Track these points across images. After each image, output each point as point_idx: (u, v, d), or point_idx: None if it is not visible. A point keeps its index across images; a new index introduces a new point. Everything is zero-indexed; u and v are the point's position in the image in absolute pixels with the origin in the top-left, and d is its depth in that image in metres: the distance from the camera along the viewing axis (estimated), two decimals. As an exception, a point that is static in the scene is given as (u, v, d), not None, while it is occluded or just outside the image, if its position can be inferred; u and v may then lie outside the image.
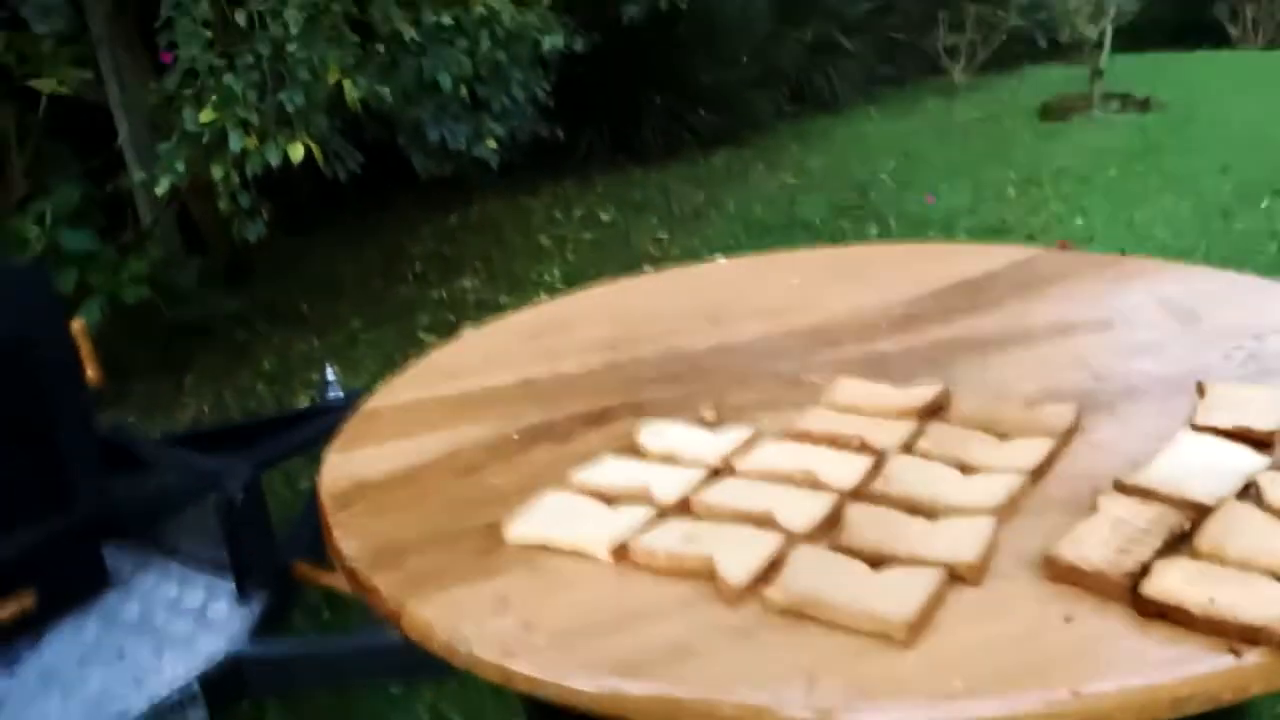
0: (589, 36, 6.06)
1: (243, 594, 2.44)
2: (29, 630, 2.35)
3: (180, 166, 4.34)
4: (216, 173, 4.35)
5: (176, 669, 2.24)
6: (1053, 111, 8.57)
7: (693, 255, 5.67)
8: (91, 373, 2.50)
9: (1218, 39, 11.04)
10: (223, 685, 2.25)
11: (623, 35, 7.49)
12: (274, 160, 4.18)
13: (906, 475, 1.03)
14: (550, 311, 1.59)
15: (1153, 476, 0.98)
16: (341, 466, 1.18)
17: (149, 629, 2.37)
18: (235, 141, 4.19)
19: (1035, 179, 6.82)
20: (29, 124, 4.39)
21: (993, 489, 0.99)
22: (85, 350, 2.48)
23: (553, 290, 5.15)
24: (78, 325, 2.47)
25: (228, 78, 4.09)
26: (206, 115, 4.18)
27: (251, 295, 5.56)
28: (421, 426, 1.27)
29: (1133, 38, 9.38)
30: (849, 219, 6.50)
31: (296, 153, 4.12)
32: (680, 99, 8.38)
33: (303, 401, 4.40)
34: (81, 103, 4.54)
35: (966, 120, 8.23)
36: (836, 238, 6.09)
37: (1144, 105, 8.62)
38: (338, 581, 2.65)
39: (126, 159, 5.05)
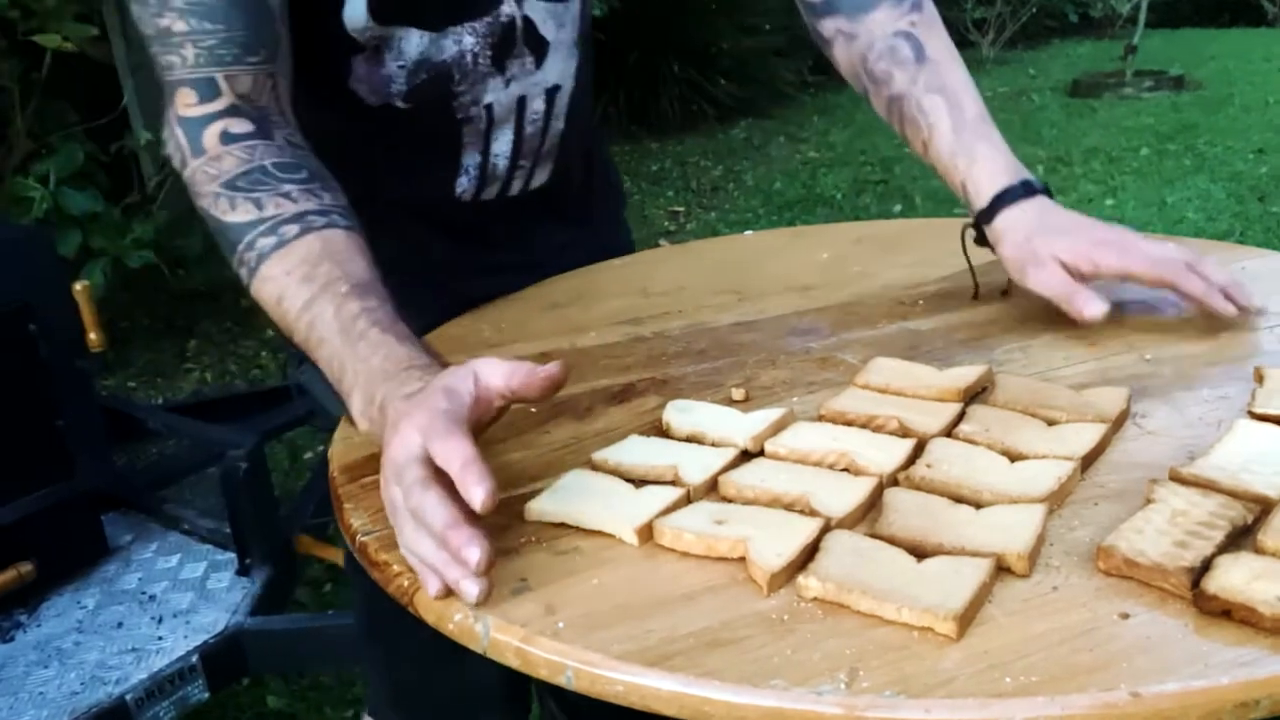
0: (605, 2, 6.01)
1: (244, 567, 2.43)
2: (27, 600, 2.34)
3: (187, 127, 4.30)
4: (224, 134, 4.31)
5: (176, 642, 2.22)
6: (1083, 88, 8.53)
7: (709, 230, 5.65)
8: (94, 338, 2.48)
9: (1254, 17, 10.98)
10: (223, 659, 2.24)
11: (640, 1, 7.45)
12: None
13: (949, 460, 1.01)
14: (568, 284, 1.56)
15: (1211, 466, 0.95)
16: (353, 437, 1.15)
17: (148, 600, 2.36)
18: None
19: (1064, 158, 6.79)
20: (32, 81, 4.36)
21: (1041, 476, 0.96)
22: (88, 315, 2.46)
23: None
24: (81, 289, 2.45)
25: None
26: (215, 74, 4.14)
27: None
28: (436, 398, 1.24)
29: (1167, 14, 9.34)
30: (872, 195, 6.47)
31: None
32: (699, 68, 8.35)
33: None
34: (86, 60, 4.51)
35: (994, 96, 8.20)
36: (859, 214, 6.06)
37: (1178, 84, 8.57)
38: (342, 556, 2.63)
39: (132, 119, 5.03)
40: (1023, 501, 0.93)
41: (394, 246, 1.25)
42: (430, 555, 0.90)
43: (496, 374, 0.98)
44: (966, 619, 0.80)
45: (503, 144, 1.48)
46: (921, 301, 1.43)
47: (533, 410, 1.18)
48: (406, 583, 0.91)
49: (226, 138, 1.20)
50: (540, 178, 1.54)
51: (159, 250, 4.60)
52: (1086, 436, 1.03)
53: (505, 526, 0.97)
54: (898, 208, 6.06)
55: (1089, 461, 1.01)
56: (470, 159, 1.47)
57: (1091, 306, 1.26)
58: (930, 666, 0.77)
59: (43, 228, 4.00)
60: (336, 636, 2.35)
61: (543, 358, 1.30)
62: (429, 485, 0.91)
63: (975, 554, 0.86)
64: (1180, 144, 6.94)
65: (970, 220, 1.39)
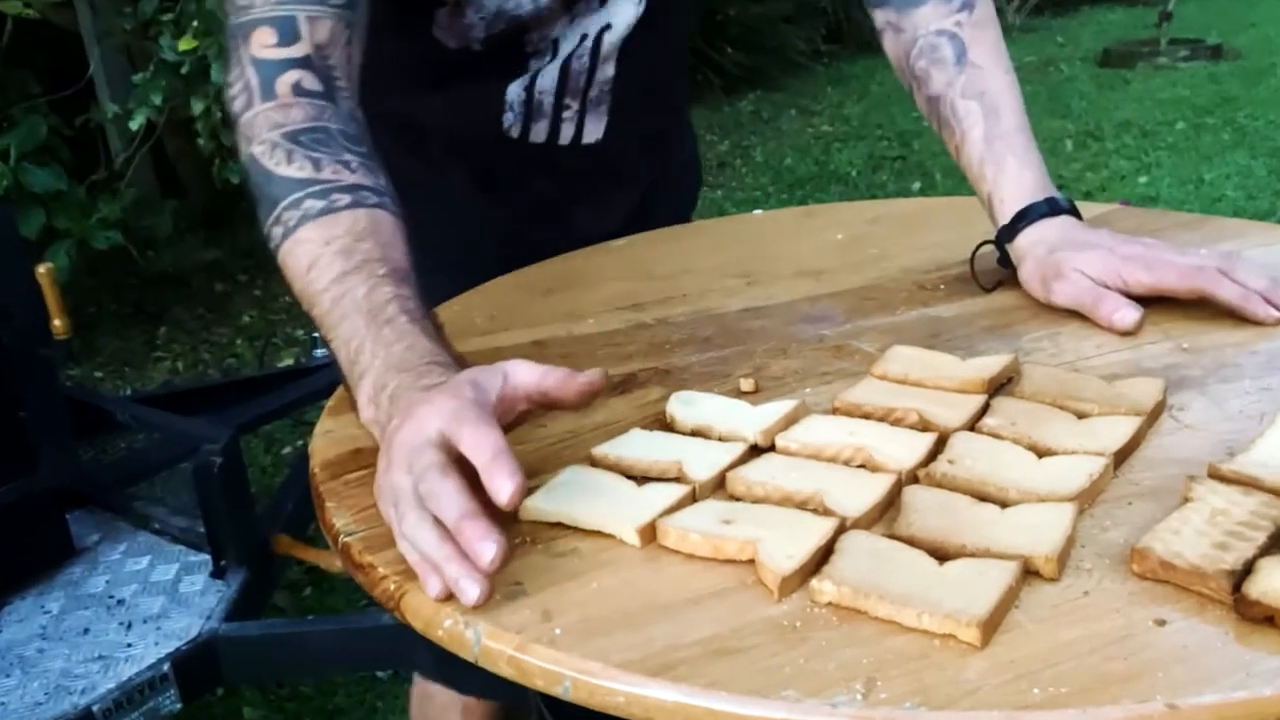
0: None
1: (219, 569, 2.43)
2: (-14, 604, 2.35)
3: (157, 99, 4.31)
4: (196, 107, 4.32)
5: (146, 649, 2.22)
6: (1115, 58, 8.51)
7: (716, 209, 5.65)
8: (58, 324, 2.48)
9: (1297, -18, 10.94)
10: (196, 668, 2.24)
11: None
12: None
13: (973, 456, 1.01)
14: (565, 266, 1.56)
15: (1253, 462, 0.95)
16: (335, 431, 1.15)
17: (116, 605, 2.36)
18: (217, 73, 4.16)
19: (1095, 132, 6.78)
20: (-8, 49, 4.36)
21: (1071, 473, 0.96)
22: (51, 300, 2.46)
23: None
24: (44, 272, 2.45)
25: (210, 1, 4.06)
26: (186, 43, 4.15)
27: (232, 243, 5.54)
28: (424, 389, 1.24)
29: (1205, -21, 9.31)
30: (889, 172, 6.47)
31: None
32: (704, 36, 8.32)
33: (287, 360, 4.38)
34: (49, 27, 4.51)
35: (1020, 65, 8.18)
36: (875, 192, 6.06)
37: (1215, 53, 8.56)
38: (324, 558, 2.63)
39: (98, 90, 5.03)
40: (1051, 500, 0.93)
41: (429, 192, 1.28)
42: (432, 548, 0.89)
43: (529, 374, 0.99)
44: (991, 626, 0.80)
45: (548, 78, 1.54)
46: (943, 286, 1.42)
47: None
48: (393, 586, 0.91)
49: (299, 90, 1.22)
50: (593, 131, 1.59)
51: (127, 231, 4.60)
52: (1119, 431, 1.03)
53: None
54: (917, 185, 6.06)
55: (1122, 457, 1.00)
56: (515, 92, 1.54)
57: (1122, 313, 1.26)
58: (952, 677, 0.76)
59: (3, 206, 4.00)
60: (317, 644, 2.35)
61: (538, 346, 1.31)
62: (447, 471, 0.91)
63: (1000, 556, 0.86)
64: (1218, 117, 6.93)
65: (987, 239, 1.41)
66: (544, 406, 1.02)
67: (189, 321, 4.97)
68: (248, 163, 1.21)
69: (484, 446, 0.91)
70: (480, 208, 1.64)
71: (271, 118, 1.21)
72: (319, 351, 3.39)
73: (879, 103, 7.90)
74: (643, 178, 1.72)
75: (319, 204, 1.16)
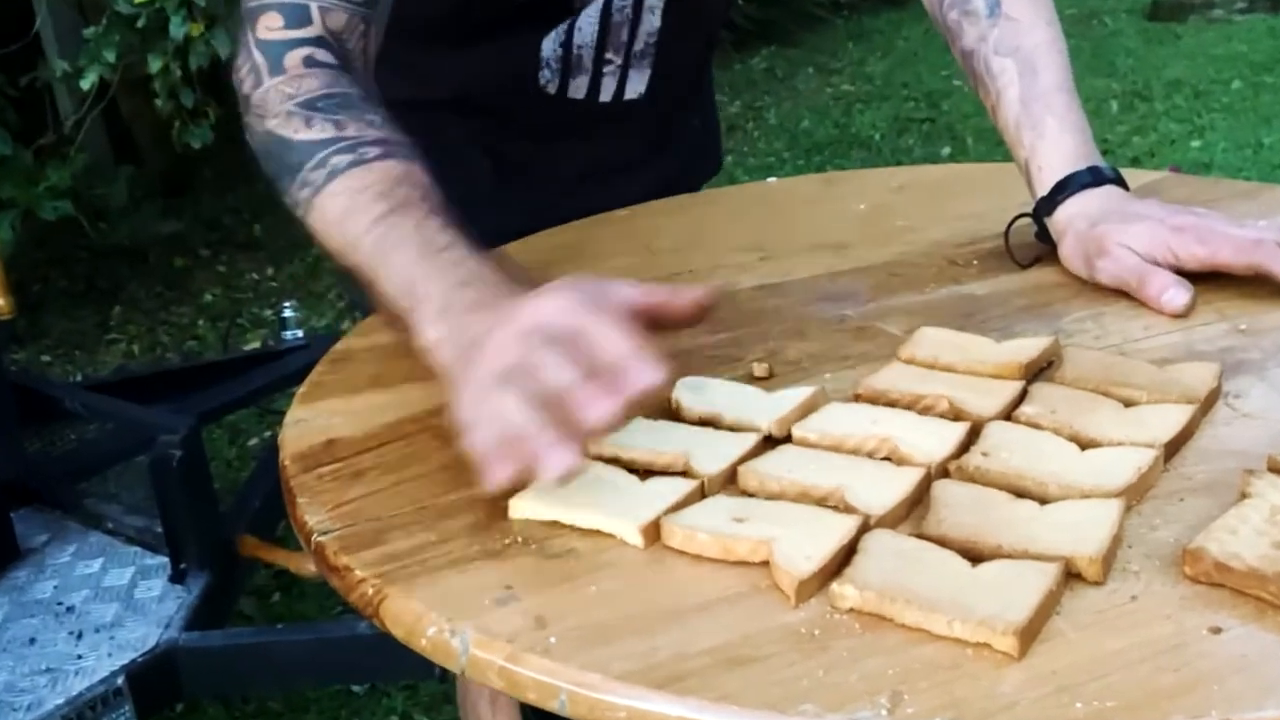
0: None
1: (179, 573, 2.43)
2: (-78, 611, 2.35)
3: (110, 56, 4.30)
4: (154, 65, 4.31)
5: (98, 661, 2.23)
6: (1165, 10, 8.49)
7: (726, 177, 5.63)
8: (1, 303, 2.48)
9: (1367, -74, 10.91)
10: (153, 681, 2.24)
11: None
12: (223, 51, 4.14)
13: (1009, 447, 1.01)
14: (564, 238, 1.56)
15: (1317, 455, 0.95)
16: (307, 421, 1.15)
17: (66, 613, 2.37)
18: (176, 27, 4.16)
19: (1143, 92, 6.77)
20: (-72, 1, 4.36)
21: (1117, 466, 0.96)
22: (-6, 275, 2.46)
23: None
24: (-15, 244, 2.45)
25: (169, -52, 4.05)
26: (142, -6, 4.14)
27: (194, 213, 5.54)
28: (405, 374, 1.24)
29: (1264, -78, 9.27)
30: (916, 135, 6.46)
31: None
32: (714, -13, 8.30)
33: (254, 342, 4.38)
34: (-9, -24, 4.51)
35: (1060, 19, 8.17)
36: (901, 158, 6.05)
37: (1275, 4, 8.53)
38: (294, 561, 2.64)
39: (46, 47, 5.02)
40: (1095, 496, 0.93)
41: (455, 153, 1.36)
42: (523, 419, 0.90)
43: (633, 290, 1.00)
44: (1029, 634, 0.80)
45: (586, 31, 1.55)
46: (976, 262, 1.42)
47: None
48: (371, 590, 0.91)
49: (310, 62, 1.27)
50: (635, 86, 1.61)
51: (77, 200, 4.60)
52: (1170, 420, 1.03)
53: (485, 526, 0.97)
54: (946, 150, 6.05)
55: (1173, 449, 1.01)
56: (550, 47, 1.55)
57: (1172, 292, 1.26)
58: (987, 690, 0.77)
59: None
60: (286, 655, 2.36)
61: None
62: (570, 344, 0.92)
63: (1040, 557, 0.86)
64: (1279, 75, 6.92)
65: (1025, 212, 1.41)
66: (653, 327, 1.00)
67: (146, 300, 4.97)
68: (264, 140, 1.26)
69: (617, 339, 0.92)
70: (496, 199, 1.64)
71: (283, 90, 1.25)
72: (289, 333, 3.40)
73: (904, 60, 7.89)
74: (682, 140, 1.73)
75: (347, 158, 1.20)
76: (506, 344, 0.95)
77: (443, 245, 1.11)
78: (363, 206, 1.16)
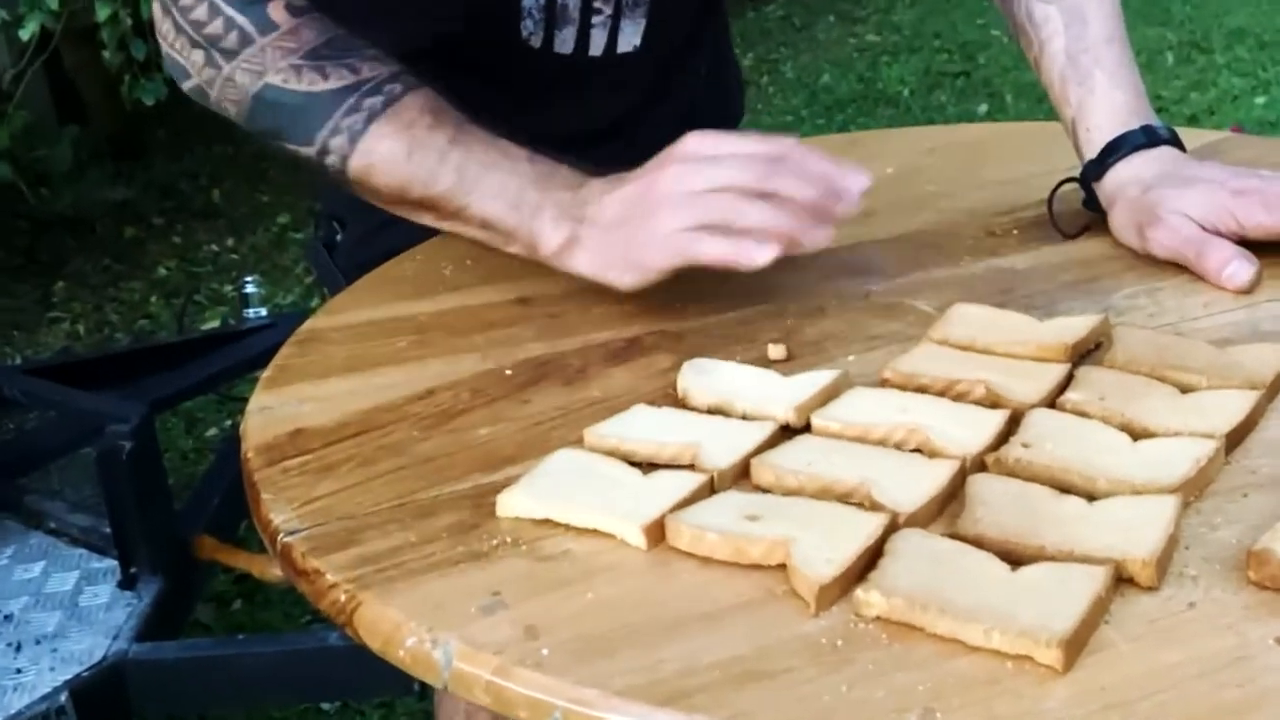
0: None
1: (129, 577, 2.43)
2: None
3: (53, 3, 4.29)
4: (101, 12, 4.31)
5: (39, 675, 2.23)
6: (1226, -48, 8.47)
7: (738, 137, 5.63)
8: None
9: None
10: (100, 698, 2.24)
11: None
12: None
13: (1053, 438, 1.01)
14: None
15: (1396, 447, 0.95)
16: (272, 409, 1.15)
17: (3, 622, 2.37)
18: (126, -30, 4.15)
19: (1200, 43, 6.76)
20: None
21: (1173, 459, 0.96)
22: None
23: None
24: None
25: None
26: (88, -67, 4.14)
27: (146, 179, 5.54)
28: (381, 358, 1.25)
29: None
30: (949, 91, 6.46)
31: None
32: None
33: (212, 321, 4.38)
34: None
35: (1110, -38, 8.16)
36: (933, 117, 6.04)
37: (1351, -54, 8.51)
38: (257, 564, 2.64)
39: (-21, -9, 5.01)
40: (1149, 492, 0.93)
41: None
42: (769, 216, 1.17)
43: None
44: (1076, 645, 0.80)
45: None
46: (1016, 232, 1.42)
47: (509, 374, 1.18)
48: (344, 597, 0.92)
49: (293, 9, 1.36)
50: (629, 39, 1.60)
51: (16, 164, 4.59)
52: (1232, 407, 1.03)
53: (472, 525, 0.98)
54: (983, 108, 6.04)
55: (1236, 440, 1.01)
56: None
57: (1234, 266, 1.25)
58: (1029, 707, 0.77)
59: None
60: (249, 669, 2.36)
61: (521, 304, 1.31)
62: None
63: (1087, 560, 0.86)
64: (1354, 25, 6.91)
65: (1071, 176, 1.40)
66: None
67: (92, 275, 4.98)
68: (262, 96, 1.35)
69: (817, 158, 1.18)
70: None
71: (283, 46, 1.34)
72: (252, 311, 3.39)
73: (936, 7, 7.88)
74: (686, 95, 1.72)
75: (378, 99, 1.32)
76: (686, 172, 1.15)
77: (526, 157, 1.28)
78: (424, 140, 1.30)
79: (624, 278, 1.22)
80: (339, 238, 1.73)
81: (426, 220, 1.33)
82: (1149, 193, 1.32)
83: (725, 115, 1.89)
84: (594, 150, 1.63)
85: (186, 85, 1.40)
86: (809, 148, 1.22)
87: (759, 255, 1.16)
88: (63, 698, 2.19)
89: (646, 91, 1.67)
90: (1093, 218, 1.40)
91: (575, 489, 0.99)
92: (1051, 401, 1.07)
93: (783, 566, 0.89)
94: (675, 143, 1.22)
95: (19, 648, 2.30)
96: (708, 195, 1.18)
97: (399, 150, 1.30)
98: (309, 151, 1.33)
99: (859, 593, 0.85)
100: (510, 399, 1.15)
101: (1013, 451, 0.99)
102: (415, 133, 1.30)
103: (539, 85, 1.59)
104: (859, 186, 1.18)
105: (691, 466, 1.01)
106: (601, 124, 1.65)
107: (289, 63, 1.34)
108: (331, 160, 1.33)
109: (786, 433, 1.06)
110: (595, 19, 1.57)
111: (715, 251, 1.17)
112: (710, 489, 0.99)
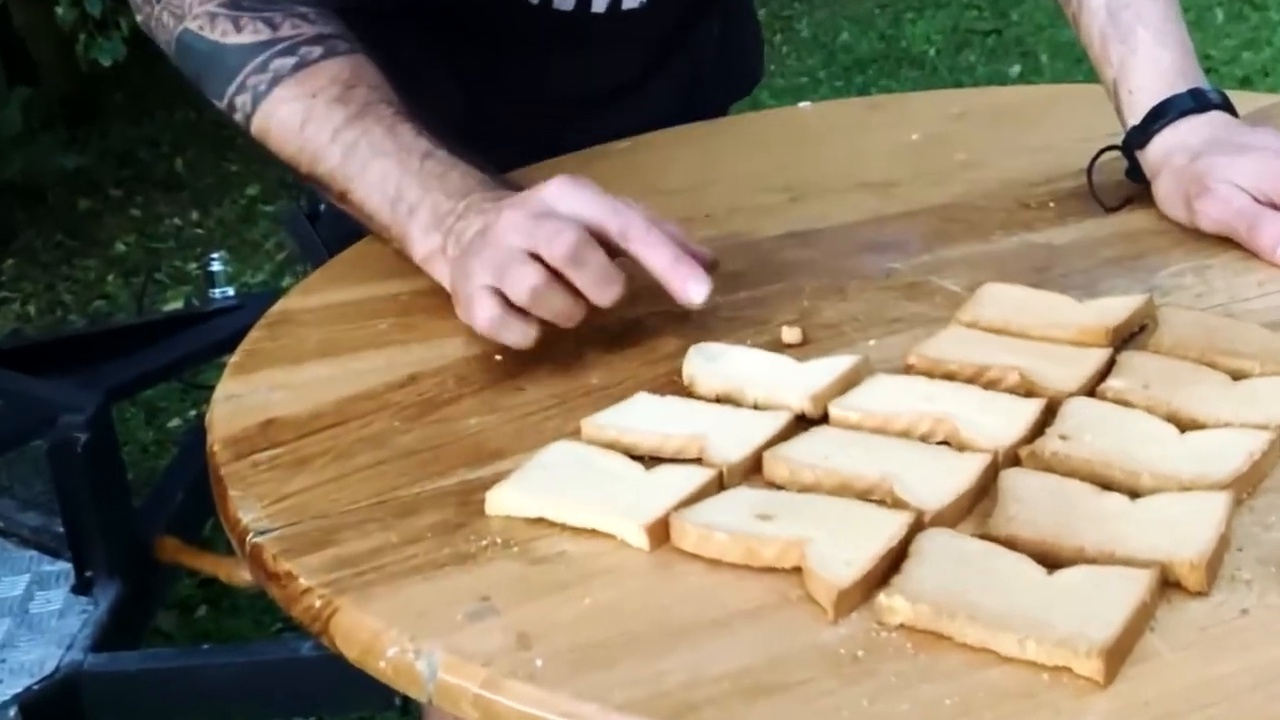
0: None
1: (84, 581, 2.43)
2: None
3: (-1, -47, 4.29)
4: (53, -36, 4.30)
5: (-12, 687, 2.24)
6: (1282, -102, 8.46)
7: (750, 102, 5.63)
8: None
9: None
10: (53, 712, 2.24)
11: None
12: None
13: (1093, 429, 1.01)
14: (549, 175, 1.55)
15: None
16: (241, 397, 1.15)
17: (-52, 629, 2.37)
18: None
19: (1255, -2, 6.75)
20: None
21: (1224, 452, 0.96)
22: None
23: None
24: None
25: None
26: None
27: (102, 146, 5.54)
28: (359, 341, 1.25)
29: None
30: (979, 51, 6.45)
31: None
32: None
33: (174, 302, 4.38)
34: None
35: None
36: (961, 79, 6.04)
37: None
38: (224, 567, 2.65)
39: (-81, -59, 5.01)
40: (1198, 488, 0.93)
41: (415, 75, 1.43)
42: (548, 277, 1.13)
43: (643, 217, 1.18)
44: (1118, 655, 0.80)
45: None
46: (1053, 204, 1.42)
47: (499, 359, 1.18)
48: (319, 602, 0.92)
49: None
50: None
51: (-43, 128, 4.59)
52: (1289, 395, 1.03)
53: (459, 524, 0.98)
54: (1015, 69, 6.04)
55: (1293, 431, 1.00)
56: None
57: None
58: (1067, 724, 0.77)
59: None
60: (215, 681, 2.36)
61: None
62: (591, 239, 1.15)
63: (1130, 562, 0.86)
64: None
65: (1113, 144, 1.40)
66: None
67: (44, 250, 4.97)
68: (181, 39, 1.37)
69: (659, 241, 1.15)
70: (468, 132, 1.62)
71: None
72: (218, 291, 3.38)
73: (966, -42, 7.88)
74: (697, 55, 1.72)
75: (289, 60, 1.33)
76: (519, 223, 1.12)
77: (422, 152, 1.26)
78: (321, 113, 1.29)
79: (461, 316, 1.21)
80: (323, 207, 1.74)
81: (332, 202, 1.35)
82: (1197, 161, 1.32)
83: (739, 78, 1.89)
84: (596, 116, 1.63)
85: (138, 20, 1.43)
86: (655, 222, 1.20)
87: (515, 337, 1.16)
88: (11, 713, 2.19)
89: (653, 52, 1.67)
90: (1136, 189, 1.40)
91: (571, 485, 0.99)
92: (1091, 389, 1.07)
93: (798, 570, 0.89)
94: (543, 183, 1.21)
95: (-34, 656, 2.31)
96: (517, 260, 1.14)
97: (295, 118, 1.31)
98: (220, 106, 1.36)
99: (881, 598, 0.85)
100: (500, 386, 1.15)
101: (1049, 444, 0.99)
102: (316, 103, 1.31)
103: (537, 44, 1.59)
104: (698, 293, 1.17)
105: (698, 460, 1.01)
106: (604, 87, 1.65)
107: (206, 10, 1.35)
108: (238, 119, 1.35)
109: (802, 423, 1.06)
110: None
111: (481, 322, 1.16)
112: (719, 485, 0.99)
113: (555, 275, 1.13)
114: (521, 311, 1.14)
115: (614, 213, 1.16)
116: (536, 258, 1.13)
